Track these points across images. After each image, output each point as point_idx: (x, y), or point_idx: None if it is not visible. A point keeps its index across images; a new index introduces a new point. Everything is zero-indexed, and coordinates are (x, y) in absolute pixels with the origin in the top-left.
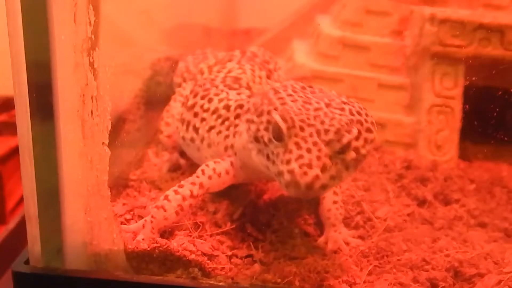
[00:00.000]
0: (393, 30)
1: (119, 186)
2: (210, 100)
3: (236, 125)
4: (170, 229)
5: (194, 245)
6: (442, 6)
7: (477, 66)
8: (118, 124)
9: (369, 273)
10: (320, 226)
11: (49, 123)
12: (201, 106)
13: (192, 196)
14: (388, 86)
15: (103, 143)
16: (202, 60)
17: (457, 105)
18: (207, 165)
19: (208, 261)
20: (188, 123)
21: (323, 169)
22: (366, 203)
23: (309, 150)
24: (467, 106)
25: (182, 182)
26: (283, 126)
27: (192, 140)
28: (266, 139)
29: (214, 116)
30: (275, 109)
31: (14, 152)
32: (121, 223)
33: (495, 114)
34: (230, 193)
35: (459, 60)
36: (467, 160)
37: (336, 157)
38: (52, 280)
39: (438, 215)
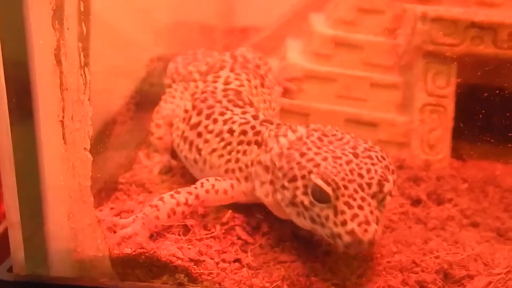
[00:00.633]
0: (386, 29)
1: (108, 189)
2: (215, 121)
3: (238, 151)
4: (157, 232)
5: (181, 250)
6: (435, 4)
7: (469, 64)
8: (108, 127)
9: (359, 276)
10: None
11: (30, 129)
12: (206, 127)
13: (186, 204)
14: (381, 85)
15: (84, 148)
16: (192, 61)
17: (450, 104)
18: (207, 180)
19: (195, 266)
20: (191, 143)
21: (377, 221)
22: None
23: (360, 207)
24: (460, 104)
25: (180, 189)
26: (328, 189)
27: (195, 161)
28: (307, 203)
29: (217, 139)
30: (310, 172)
31: None
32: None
33: (488, 112)
34: None
35: (452, 59)
36: (460, 159)
37: (380, 205)
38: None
39: (431, 215)
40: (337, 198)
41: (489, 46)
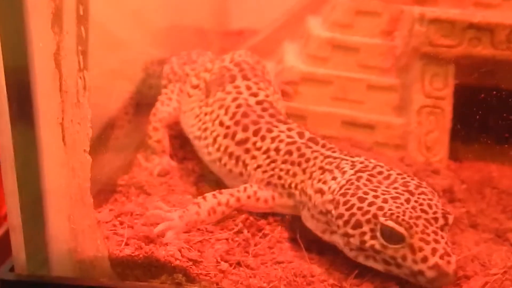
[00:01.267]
0: (383, 31)
1: (107, 191)
2: (263, 138)
3: (281, 169)
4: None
5: (180, 251)
6: (433, 5)
7: (467, 66)
8: (107, 129)
9: (356, 276)
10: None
11: (30, 131)
12: (254, 144)
13: (227, 205)
14: (378, 87)
15: (84, 150)
16: (187, 61)
17: (447, 106)
18: (251, 186)
19: (193, 267)
20: (238, 158)
21: (453, 252)
22: None
23: (437, 241)
24: (458, 106)
25: (223, 190)
26: (401, 229)
27: (241, 174)
28: (378, 247)
29: (264, 156)
30: (375, 216)
31: None
32: (108, 229)
33: (485, 114)
34: None
35: (449, 60)
36: (458, 160)
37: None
38: (37, 287)
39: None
40: (411, 236)
41: (486, 47)
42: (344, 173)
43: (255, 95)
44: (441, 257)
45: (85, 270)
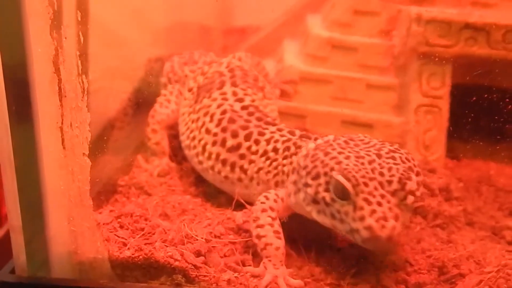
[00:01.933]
0: (381, 30)
1: (107, 192)
2: (257, 142)
3: (284, 165)
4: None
5: (180, 253)
6: (430, 5)
7: (464, 65)
8: (107, 130)
9: (353, 275)
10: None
11: (30, 135)
12: (248, 148)
13: (274, 220)
14: (377, 86)
15: (83, 153)
16: (189, 61)
17: (445, 105)
18: (268, 192)
19: (192, 268)
20: (233, 164)
21: (396, 218)
22: None
23: (379, 204)
24: (455, 105)
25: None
26: (348, 185)
27: (240, 179)
28: (328, 199)
29: (263, 159)
30: (332, 169)
31: None
32: (110, 230)
33: (482, 113)
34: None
35: (446, 60)
36: (455, 159)
37: (401, 204)
38: None
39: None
40: (356, 194)
41: (483, 47)
42: (324, 137)
43: (240, 100)
44: (377, 220)
45: (85, 271)
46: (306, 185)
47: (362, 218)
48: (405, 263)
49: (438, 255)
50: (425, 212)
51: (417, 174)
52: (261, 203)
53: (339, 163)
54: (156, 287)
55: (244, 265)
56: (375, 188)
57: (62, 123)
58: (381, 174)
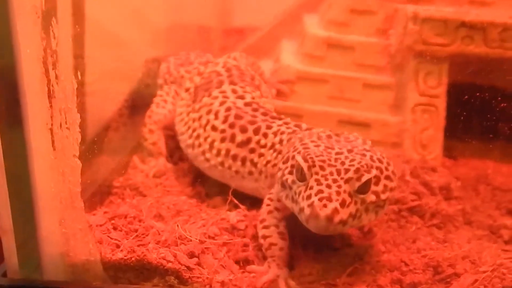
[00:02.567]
0: (378, 29)
1: (102, 193)
2: (265, 135)
3: None
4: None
5: (173, 255)
6: (427, 4)
7: (460, 64)
8: (102, 131)
9: (348, 275)
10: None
11: (20, 137)
12: (258, 142)
13: (281, 220)
14: (374, 85)
15: (74, 155)
16: (185, 62)
17: (441, 104)
18: (271, 193)
19: (186, 269)
20: (244, 159)
21: (342, 203)
22: None
23: (329, 186)
24: (451, 104)
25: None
26: (304, 165)
27: (251, 173)
28: (290, 181)
29: (271, 151)
30: (298, 152)
31: None
32: (103, 232)
33: (479, 111)
34: None
35: (443, 59)
36: (453, 158)
37: (356, 196)
38: None
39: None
40: (311, 175)
41: (479, 45)
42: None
43: (241, 97)
44: (320, 199)
45: (78, 273)
46: (279, 169)
47: (308, 197)
48: (400, 263)
49: (434, 255)
50: (423, 211)
51: (387, 178)
52: (267, 205)
53: (306, 148)
54: None
55: (240, 265)
56: (331, 173)
57: (52, 124)
58: (342, 163)
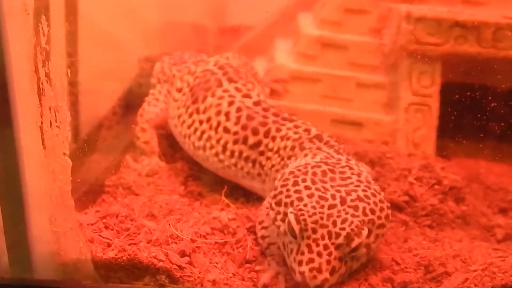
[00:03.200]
0: (371, 29)
1: (94, 192)
2: (273, 139)
3: (286, 165)
4: None
5: (164, 254)
6: (421, 3)
7: (454, 63)
8: (95, 130)
9: None
10: None
11: (9, 135)
12: (266, 145)
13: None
14: (367, 85)
15: (64, 153)
16: (178, 62)
17: (434, 103)
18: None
19: (177, 268)
20: (255, 161)
21: (332, 271)
22: None
23: (319, 254)
24: (445, 103)
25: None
26: (296, 228)
27: (259, 174)
28: (282, 229)
29: (276, 156)
30: (292, 204)
31: None
32: (94, 231)
33: (472, 111)
34: None
35: (436, 58)
36: (446, 157)
37: (346, 256)
38: None
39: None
40: (302, 238)
41: (473, 45)
42: (306, 157)
43: (248, 96)
44: (311, 270)
45: (68, 272)
46: (271, 206)
47: (300, 263)
48: (391, 262)
49: (425, 254)
50: (418, 211)
51: (379, 227)
52: (266, 208)
53: (300, 199)
54: None
55: (231, 264)
56: (322, 237)
57: (42, 123)
58: (334, 223)
